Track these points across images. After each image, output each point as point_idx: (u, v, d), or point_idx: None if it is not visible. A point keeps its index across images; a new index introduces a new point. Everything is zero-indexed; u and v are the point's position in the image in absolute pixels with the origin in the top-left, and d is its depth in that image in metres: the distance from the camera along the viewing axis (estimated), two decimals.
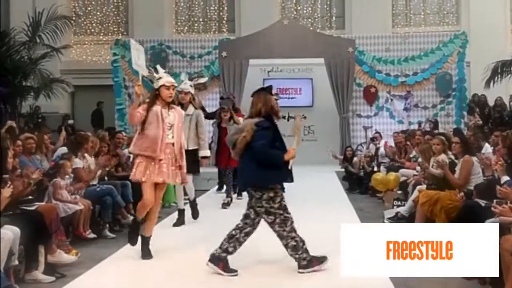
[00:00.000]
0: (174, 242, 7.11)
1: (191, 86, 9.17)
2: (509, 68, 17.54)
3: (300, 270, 5.97)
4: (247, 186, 6.18)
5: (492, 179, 7.11)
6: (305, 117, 17.91)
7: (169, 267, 5.85)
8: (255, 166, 5.94)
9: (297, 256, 6.03)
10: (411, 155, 12.26)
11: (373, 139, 16.68)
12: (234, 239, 5.89)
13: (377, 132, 17.41)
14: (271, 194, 5.98)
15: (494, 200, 6.07)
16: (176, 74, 18.16)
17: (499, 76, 17.53)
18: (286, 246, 6.07)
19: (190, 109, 9.06)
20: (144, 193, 6.57)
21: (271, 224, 6.03)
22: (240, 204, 9.65)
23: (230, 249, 5.87)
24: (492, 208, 6.08)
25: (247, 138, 5.91)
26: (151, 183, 6.51)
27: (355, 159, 14.80)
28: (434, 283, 6.44)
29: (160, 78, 6.81)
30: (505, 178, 6.44)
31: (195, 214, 9.20)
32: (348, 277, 5.19)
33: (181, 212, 9.02)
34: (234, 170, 10.29)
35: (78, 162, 9.04)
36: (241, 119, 10.46)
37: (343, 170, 15.44)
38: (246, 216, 6.03)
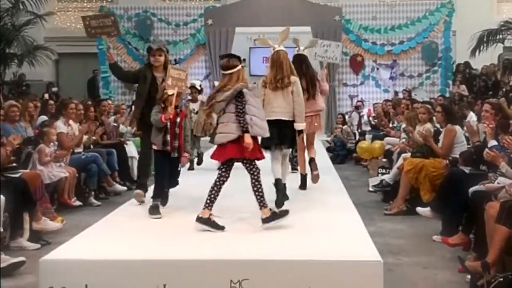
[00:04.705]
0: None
1: None
2: (495, 37, 17.55)
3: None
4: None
5: (479, 146, 7.16)
6: None
7: (154, 231, 5.84)
8: None
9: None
10: (394, 124, 12.33)
11: (356, 108, 16.78)
12: None
13: (359, 101, 17.50)
14: None
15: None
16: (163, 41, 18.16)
17: (485, 45, 17.54)
18: None
19: None
20: None
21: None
22: None
23: None
24: (485, 155, 6.17)
25: None
26: None
27: (344, 127, 14.88)
28: (418, 250, 6.54)
29: None
30: (493, 142, 6.48)
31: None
32: (336, 243, 5.23)
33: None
34: None
35: (61, 127, 9.00)
36: None
37: (328, 139, 15.52)
38: None
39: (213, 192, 5.67)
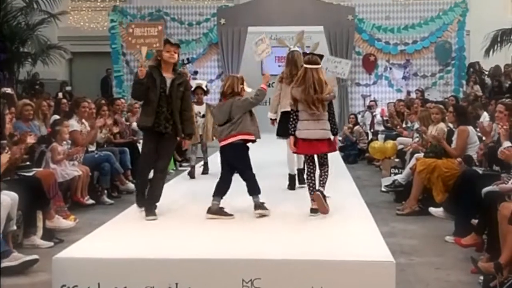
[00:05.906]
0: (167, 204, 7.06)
1: None
2: (509, 37, 17.44)
3: None
4: None
5: (492, 146, 7.13)
6: None
7: (167, 231, 5.86)
8: None
9: None
10: (408, 125, 12.30)
11: (369, 107, 16.74)
12: None
13: (372, 100, 17.45)
14: None
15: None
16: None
17: (499, 44, 17.46)
18: None
19: None
20: None
21: None
22: None
23: None
24: (499, 154, 6.15)
25: None
26: None
27: (356, 127, 14.85)
28: (431, 251, 6.51)
29: None
30: (507, 143, 6.44)
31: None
32: (348, 243, 5.23)
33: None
34: None
35: (75, 125, 9.05)
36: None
37: (340, 138, 15.48)
38: None
39: (311, 183, 6.25)
